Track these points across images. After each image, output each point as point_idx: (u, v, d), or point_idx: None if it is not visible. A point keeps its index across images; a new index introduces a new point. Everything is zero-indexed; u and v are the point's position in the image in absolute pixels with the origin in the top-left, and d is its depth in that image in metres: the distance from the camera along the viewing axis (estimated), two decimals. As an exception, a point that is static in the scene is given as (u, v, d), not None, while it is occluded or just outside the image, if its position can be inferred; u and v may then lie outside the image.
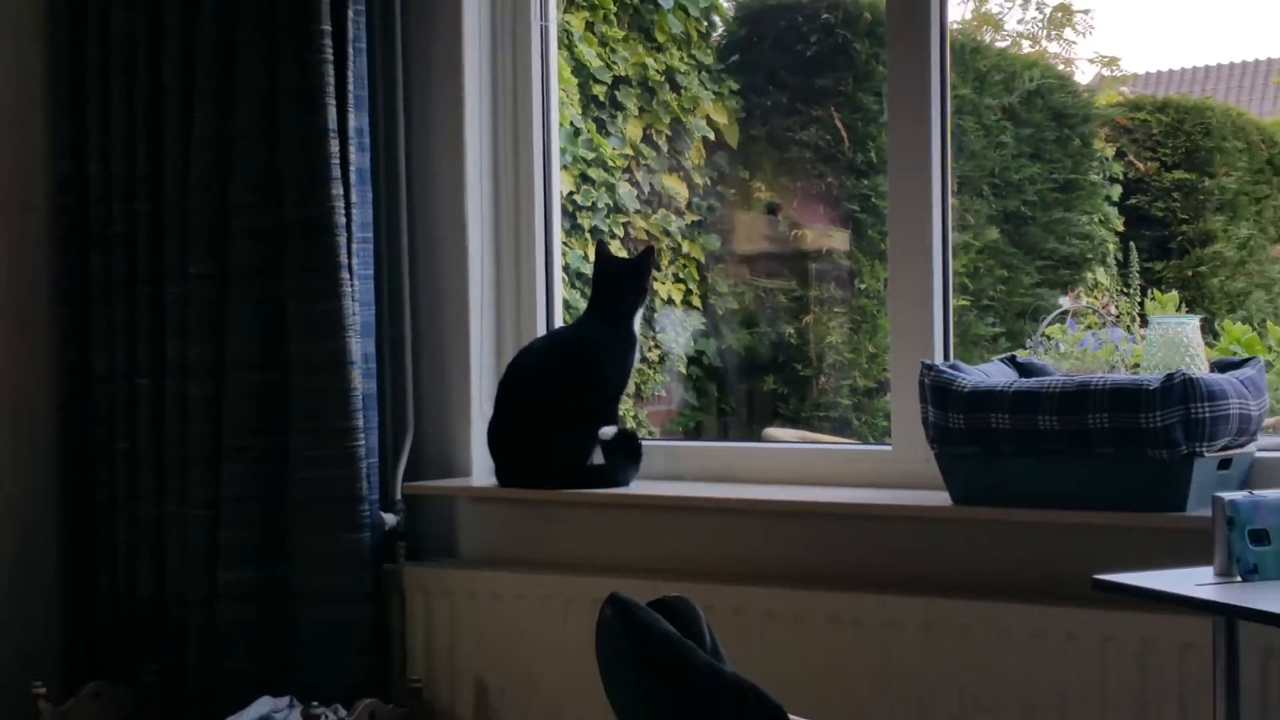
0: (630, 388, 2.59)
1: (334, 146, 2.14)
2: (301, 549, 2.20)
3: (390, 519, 2.28)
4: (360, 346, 2.21)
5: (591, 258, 2.43)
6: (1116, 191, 3.44)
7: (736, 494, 2.15)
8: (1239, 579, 1.40)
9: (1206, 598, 1.39)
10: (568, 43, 2.90)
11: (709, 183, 3.33)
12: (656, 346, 3.23)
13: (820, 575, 2.06)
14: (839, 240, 3.30)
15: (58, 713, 2.15)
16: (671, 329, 3.30)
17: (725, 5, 3.44)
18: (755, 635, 1.91)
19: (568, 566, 2.22)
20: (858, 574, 2.04)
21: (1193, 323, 2.06)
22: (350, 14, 2.17)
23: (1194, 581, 1.42)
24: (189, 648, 2.30)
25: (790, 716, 1.09)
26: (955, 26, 2.47)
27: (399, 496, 2.32)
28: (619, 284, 2.20)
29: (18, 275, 2.50)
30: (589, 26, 3.04)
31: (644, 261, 2.28)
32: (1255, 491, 1.51)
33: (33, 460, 2.51)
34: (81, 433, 2.49)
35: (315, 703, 2.06)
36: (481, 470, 2.33)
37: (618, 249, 3.01)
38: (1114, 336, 2.35)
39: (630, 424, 2.74)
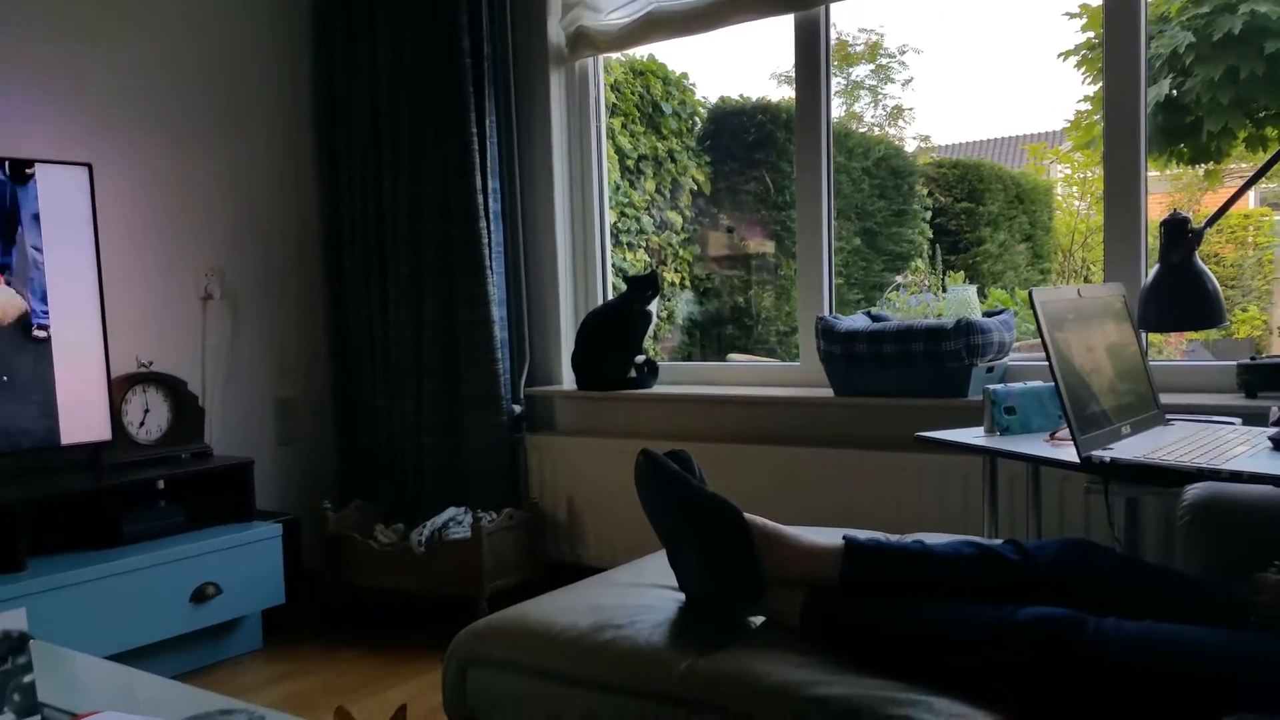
0: (650, 333, 2.91)
1: (480, 198, 2.84)
2: (468, 425, 2.90)
3: (517, 408, 2.95)
4: (498, 311, 2.88)
5: (627, 260, 3.10)
6: (928, 215, 3.96)
7: (711, 392, 2.72)
8: (997, 434, 1.86)
9: (980, 444, 1.80)
10: (611, 135, 3.35)
11: (694, 215, 3.85)
12: (667, 310, 3.68)
13: (759, 437, 2.60)
14: (769, 247, 3.84)
15: (336, 517, 2.86)
16: (675, 300, 3.71)
17: (702, 111, 3.91)
18: (723, 471, 2.32)
19: (617, 434, 2.83)
20: (781, 435, 2.57)
21: (972, 290, 2.73)
22: (489, 121, 2.88)
23: (973, 436, 1.86)
24: (408, 480, 3.00)
25: (743, 514, 1.33)
26: (835, 120, 2.79)
27: (522, 396, 2.99)
28: (642, 283, 2.82)
29: (306, 271, 3.18)
30: (623, 125, 3.56)
31: (655, 274, 2.87)
32: (1008, 384, 1.94)
33: (319, 376, 3.20)
34: (344, 360, 3.16)
35: (479, 509, 2.80)
36: (568, 381, 3.00)
37: (639, 259, 3.62)
38: (927, 299, 2.78)
39: (652, 353, 3.00)
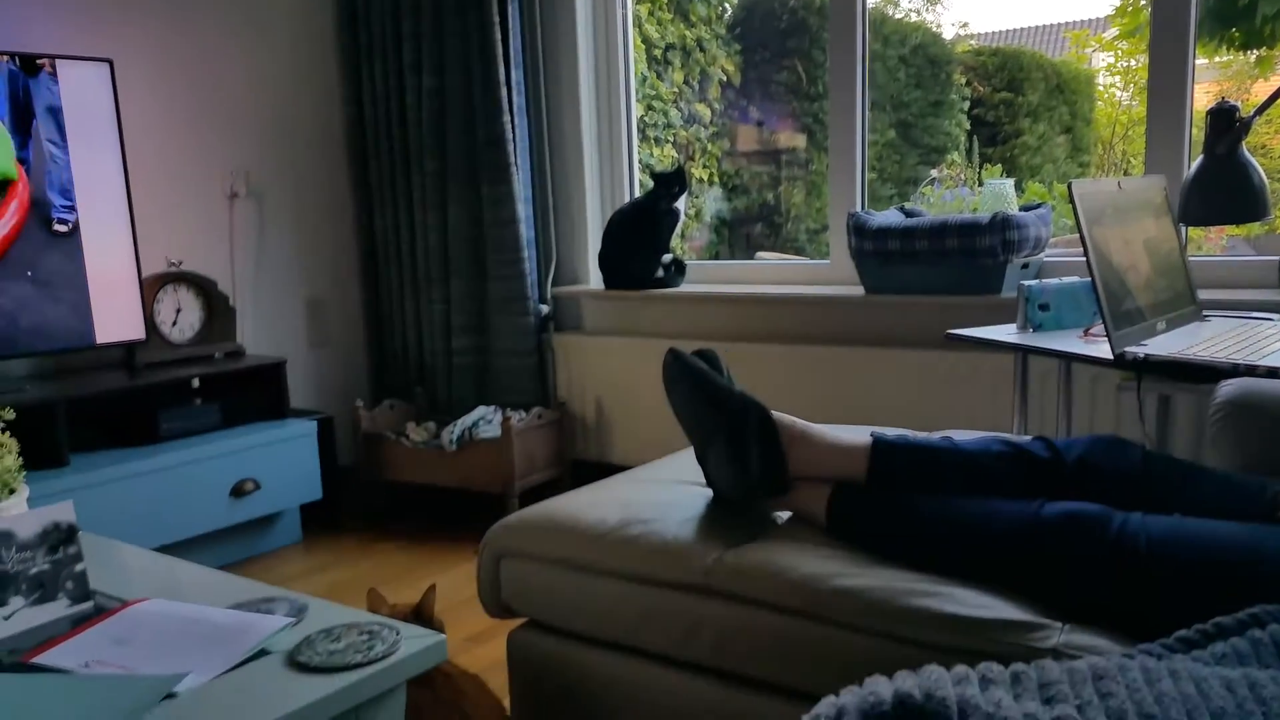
0: (678, 232, 2.93)
1: (504, 92, 2.81)
2: (496, 326, 2.95)
3: (544, 308, 2.99)
4: (524, 210, 2.89)
5: (654, 156, 3.05)
6: (966, 106, 3.88)
7: (740, 291, 2.73)
8: (1030, 331, 1.85)
9: (1013, 341, 1.80)
10: (638, 24, 3.28)
11: (723, 108, 3.77)
12: (695, 208, 3.68)
13: (788, 336, 2.62)
14: (799, 141, 3.77)
15: (369, 415, 2.94)
16: (703, 197, 3.71)
17: (733, -4, 3.72)
18: (751, 370, 2.44)
19: (644, 333, 2.87)
20: (811, 334, 2.61)
21: (1009, 184, 2.58)
22: (510, 11, 2.83)
23: (1005, 333, 1.86)
24: (438, 381, 3.07)
25: (771, 412, 1.33)
26: (871, 5, 2.71)
27: (549, 295, 3.03)
28: (668, 180, 2.80)
29: (331, 170, 3.18)
30: (650, 13, 3.44)
31: (682, 170, 2.85)
32: (1042, 280, 1.93)
33: (349, 277, 3.25)
34: (372, 263, 3.21)
35: (508, 409, 2.89)
36: (595, 280, 3.03)
37: (667, 154, 3.52)
38: (962, 193, 2.74)
39: (680, 252, 3.04)
